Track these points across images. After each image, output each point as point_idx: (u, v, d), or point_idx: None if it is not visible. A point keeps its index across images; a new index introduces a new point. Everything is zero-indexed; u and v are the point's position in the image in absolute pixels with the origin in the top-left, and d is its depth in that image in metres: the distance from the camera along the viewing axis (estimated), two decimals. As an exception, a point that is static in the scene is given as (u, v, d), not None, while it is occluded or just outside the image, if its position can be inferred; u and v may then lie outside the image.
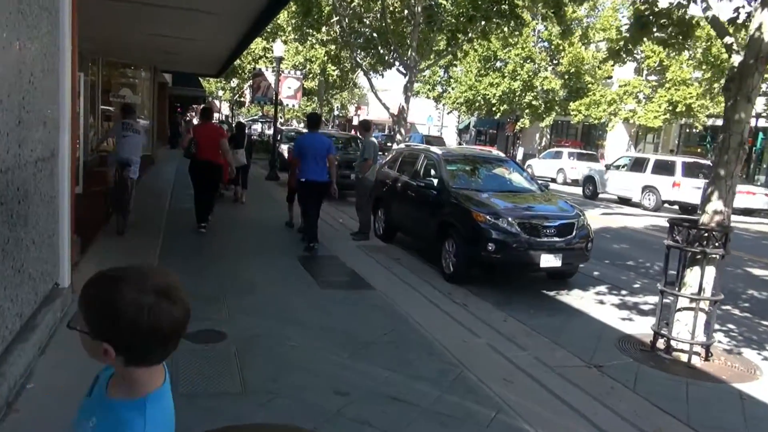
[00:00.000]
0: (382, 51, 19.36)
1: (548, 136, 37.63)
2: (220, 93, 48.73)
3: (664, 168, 17.86)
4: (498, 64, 33.30)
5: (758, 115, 23.05)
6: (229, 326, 4.73)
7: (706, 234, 5.11)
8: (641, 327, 6.25)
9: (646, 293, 7.74)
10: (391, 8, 17.39)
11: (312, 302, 5.67)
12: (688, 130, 30.05)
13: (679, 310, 5.31)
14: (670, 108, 22.84)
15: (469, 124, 48.16)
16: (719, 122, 26.12)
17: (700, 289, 5.16)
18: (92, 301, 1.13)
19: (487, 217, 7.21)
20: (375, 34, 18.27)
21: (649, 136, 31.43)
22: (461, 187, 8.07)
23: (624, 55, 7.38)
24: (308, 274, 6.79)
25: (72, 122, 4.72)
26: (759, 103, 23.08)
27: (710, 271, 5.17)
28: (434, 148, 9.28)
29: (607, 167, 20.66)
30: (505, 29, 15.56)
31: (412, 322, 5.34)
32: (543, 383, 4.34)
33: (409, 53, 16.43)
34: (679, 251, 5.28)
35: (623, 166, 19.73)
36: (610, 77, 31.53)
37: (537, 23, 26.34)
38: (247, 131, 13.90)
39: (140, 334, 1.09)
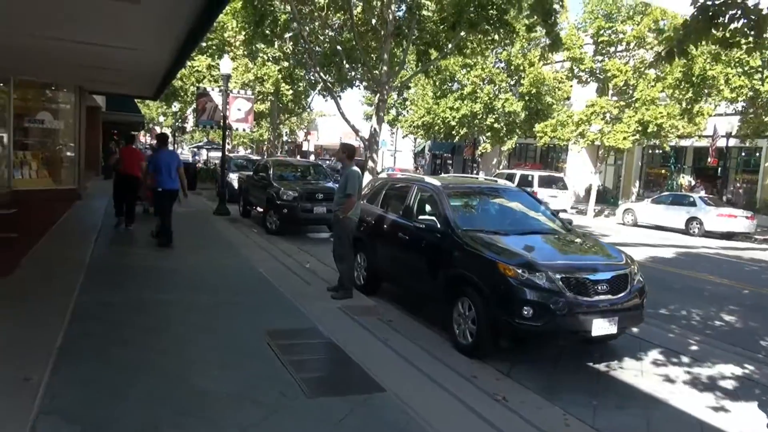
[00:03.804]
0: (347, 66, 17.20)
1: (507, 160, 36.59)
2: (162, 119, 45.69)
3: (525, 181, 21.96)
4: (455, 86, 32.03)
5: (728, 135, 22.50)
6: None
7: None
8: (744, 421, 4.65)
9: (714, 360, 6.10)
10: (358, 16, 15.39)
11: (302, 429, 3.62)
12: (651, 151, 29.53)
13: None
14: (640, 128, 21.91)
15: (424, 147, 46.88)
16: (684, 143, 25.67)
17: None
18: None
19: (519, 271, 5.40)
20: (339, 47, 16.12)
21: (611, 158, 30.76)
22: (472, 229, 6.25)
23: (677, 57, 5.84)
24: (284, 365, 4.69)
25: None
26: (727, 123, 22.53)
27: None
28: (430, 179, 7.40)
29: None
30: (496, 36, 13.85)
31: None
32: None
33: (381, 67, 14.46)
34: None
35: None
36: (568, 98, 30.79)
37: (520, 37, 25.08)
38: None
39: None
